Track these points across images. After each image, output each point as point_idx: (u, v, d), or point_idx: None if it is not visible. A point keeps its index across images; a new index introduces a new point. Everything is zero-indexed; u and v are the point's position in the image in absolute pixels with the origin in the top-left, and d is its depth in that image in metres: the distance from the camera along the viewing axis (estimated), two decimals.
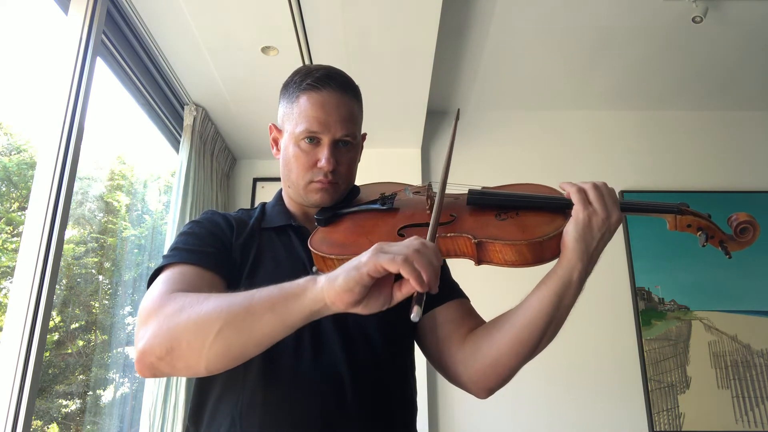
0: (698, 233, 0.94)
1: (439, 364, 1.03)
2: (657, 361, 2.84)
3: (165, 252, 1.00)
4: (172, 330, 0.77)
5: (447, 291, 1.07)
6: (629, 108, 3.33)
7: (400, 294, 0.73)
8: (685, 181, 3.18)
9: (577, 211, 0.88)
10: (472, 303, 1.09)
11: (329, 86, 1.01)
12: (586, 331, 2.87)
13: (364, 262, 0.70)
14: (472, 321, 1.02)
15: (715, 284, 2.95)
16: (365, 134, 1.14)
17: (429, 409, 2.76)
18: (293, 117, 1.03)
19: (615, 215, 0.88)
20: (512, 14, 2.54)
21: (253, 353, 0.78)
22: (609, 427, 2.76)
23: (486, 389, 0.97)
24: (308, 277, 0.75)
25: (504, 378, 0.95)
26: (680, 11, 2.48)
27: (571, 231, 0.87)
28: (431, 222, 0.84)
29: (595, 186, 0.90)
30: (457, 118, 1.12)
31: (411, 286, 0.70)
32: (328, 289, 0.71)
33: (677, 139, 3.29)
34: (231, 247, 1.01)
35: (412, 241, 0.72)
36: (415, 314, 0.67)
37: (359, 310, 0.72)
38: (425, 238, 0.78)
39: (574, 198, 0.89)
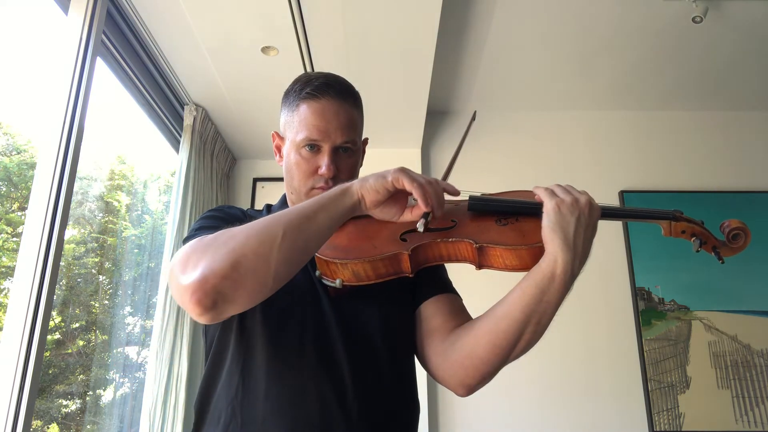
0: (692, 239, 0.99)
1: (422, 356, 1.04)
2: (657, 361, 2.84)
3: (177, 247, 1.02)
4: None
5: (438, 285, 1.08)
6: (629, 108, 3.33)
7: (410, 215, 0.92)
8: (685, 181, 3.18)
9: (546, 204, 0.90)
10: (473, 310, 1.09)
11: (328, 94, 1.04)
12: (586, 331, 2.88)
13: (391, 173, 0.87)
14: (460, 317, 1.03)
15: (715, 284, 2.95)
16: (366, 139, 1.16)
17: (429, 409, 2.76)
18: (294, 125, 1.06)
19: (584, 197, 0.90)
20: (512, 14, 2.54)
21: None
22: (609, 427, 2.76)
23: (463, 385, 0.95)
24: (340, 185, 0.90)
25: (481, 373, 0.93)
26: (680, 11, 2.48)
27: (545, 223, 0.88)
28: (444, 173, 1.07)
29: (559, 185, 0.95)
30: (473, 119, 1.18)
31: (419, 211, 0.89)
32: (361, 187, 0.88)
33: (677, 139, 3.29)
34: None
35: (428, 177, 0.90)
36: (420, 224, 0.87)
37: (377, 213, 0.91)
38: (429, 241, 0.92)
39: (542, 196, 0.92)
